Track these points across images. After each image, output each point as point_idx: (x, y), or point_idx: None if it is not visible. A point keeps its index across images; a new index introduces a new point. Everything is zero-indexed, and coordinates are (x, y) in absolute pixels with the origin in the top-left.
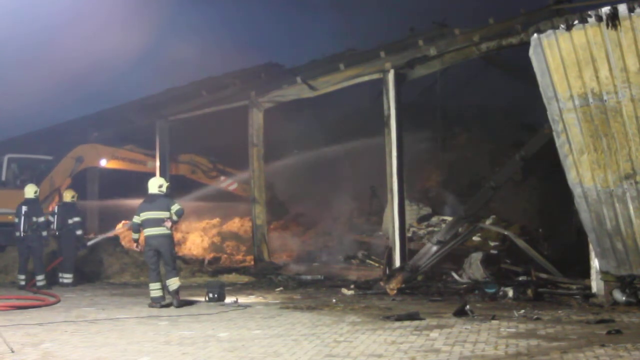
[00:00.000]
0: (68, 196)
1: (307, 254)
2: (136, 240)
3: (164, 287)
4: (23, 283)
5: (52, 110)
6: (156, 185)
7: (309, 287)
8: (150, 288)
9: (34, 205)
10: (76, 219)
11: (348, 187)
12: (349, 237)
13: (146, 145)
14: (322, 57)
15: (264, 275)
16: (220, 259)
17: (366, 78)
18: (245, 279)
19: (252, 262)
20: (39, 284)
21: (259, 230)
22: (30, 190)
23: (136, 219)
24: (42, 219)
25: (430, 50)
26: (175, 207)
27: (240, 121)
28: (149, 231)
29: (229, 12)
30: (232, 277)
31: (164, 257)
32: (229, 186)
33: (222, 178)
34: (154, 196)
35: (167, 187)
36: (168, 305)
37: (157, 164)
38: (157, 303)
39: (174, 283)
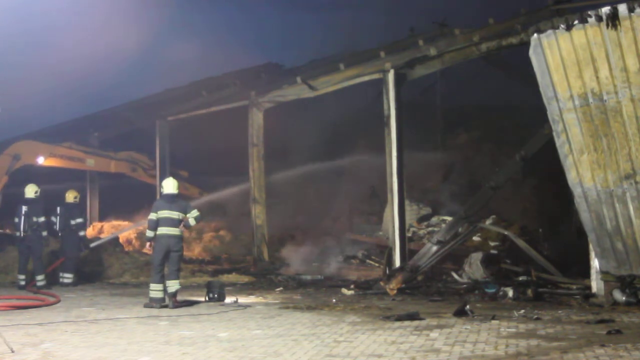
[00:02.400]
0: (70, 197)
1: (307, 254)
2: (152, 239)
3: (165, 289)
4: (23, 283)
5: (52, 110)
6: (174, 186)
7: (308, 287)
8: (153, 288)
9: (35, 205)
10: (79, 220)
11: (348, 187)
12: (348, 237)
13: (146, 146)
14: (322, 57)
15: (263, 275)
16: (221, 259)
17: (366, 78)
18: (245, 278)
19: (252, 262)
20: (39, 284)
21: (258, 230)
22: (30, 190)
23: (154, 216)
24: (42, 219)
25: (430, 50)
26: (194, 213)
27: (240, 121)
28: (163, 230)
29: (229, 12)
30: (232, 277)
31: (173, 258)
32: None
33: (151, 173)
34: (174, 196)
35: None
36: (167, 306)
37: (157, 163)
38: (156, 303)
39: (174, 285)
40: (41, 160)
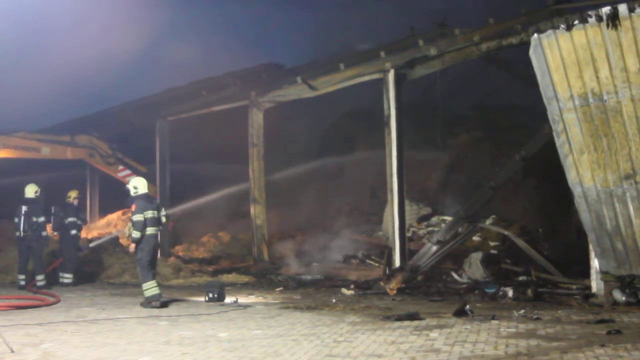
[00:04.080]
0: (69, 196)
1: (306, 254)
2: (139, 241)
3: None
4: (23, 283)
5: (51, 111)
6: (146, 184)
7: (308, 287)
8: (149, 287)
9: (34, 205)
10: (70, 219)
11: (348, 187)
12: (348, 236)
13: (146, 146)
14: (322, 57)
15: (263, 275)
16: (220, 259)
17: (366, 78)
18: (245, 278)
19: (252, 262)
20: (39, 283)
21: (258, 230)
22: (30, 190)
23: (142, 217)
24: (42, 219)
25: (431, 50)
26: (165, 211)
27: (240, 121)
28: (151, 230)
29: (230, 11)
30: (232, 277)
31: (156, 256)
32: (125, 177)
33: (120, 167)
34: (151, 196)
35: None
36: (167, 304)
37: (157, 164)
38: (156, 301)
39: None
40: None
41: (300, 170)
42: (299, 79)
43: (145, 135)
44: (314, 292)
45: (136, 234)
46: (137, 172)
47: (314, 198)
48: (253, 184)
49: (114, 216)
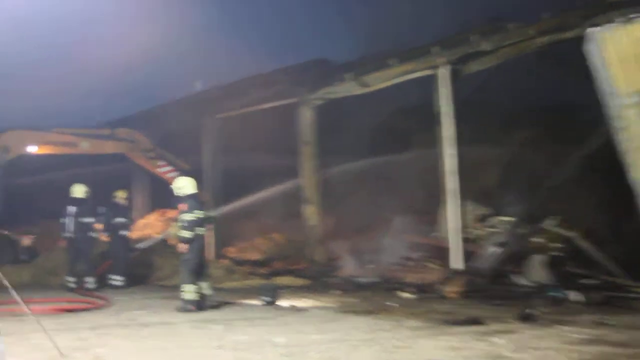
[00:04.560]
0: (117, 196)
1: (361, 255)
2: (190, 241)
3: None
4: (72, 285)
5: (94, 110)
6: (195, 185)
7: (365, 290)
8: (190, 289)
9: (83, 206)
10: (120, 219)
11: (401, 186)
12: (403, 237)
13: (193, 145)
14: (373, 52)
15: (318, 278)
16: (274, 261)
17: (418, 74)
18: (299, 281)
19: (307, 265)
20: (89, 286)
21: (312, 231)
22: (79, 190)
23: (193, 217)
24: (91, 220)
25: (484, 45)
26: (210, 212)
27: (290, 118)
28: (201, 230)
29: (277, 5)
30: (286, 280)
31: (204, 259)
32: (166, 174)
33: (160, 163)
34: (199, 197)
35: None
36: (202, 308)
37: (205, 163)
38: (194, 305)
39: (210, 287)
40: (33, 149)
41: (352, 169)
42: (349, 76)
43: (192, 134)
44: (371, 295)
45: (187, 234)
46: (179, 169)
47: (367, 197)
48: (305, 184)
49: (151, 217)
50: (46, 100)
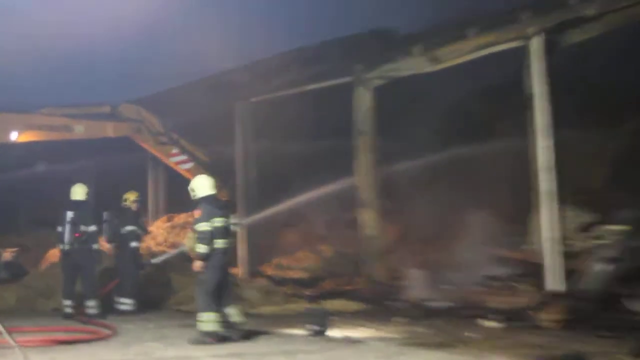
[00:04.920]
0: (126, 199)
1: (432, 273)
2: (206, 257)
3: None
4: (69, 310)
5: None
6: (214, 183)
7: (436, 317)
8: (209, 319)
9: (83, 211)
10: (129, 227)
11: (482, 186)
12: (486, 250)
13: (219, 136)
14: (445, 21)
15: (378, 301)
16: (322, 280)
17: (503, 47)
18: (354, 305)
19: (363, 285)
20: (90, 311)
21: (369, 242)
22: (79, 191)
23: (209, 227)
24: (93, 228)
25: (587, 11)
26: (236, 219)
27: (342, 103)
28: (220, 243)
29: None
30: (337, 304)
31: (228, 277)
32: (181, 164)
33: (174, 151)
34: (218, 198)
35: None
36: (230, 338)
37: (237, 155)
38: (212, 337)
39: (240, 314)
40: (14, 136)
41: (420, 165)
42: (417, 49)
43: (217, 123)
44: (444, 323)
45: (202, 248)
46: (196, 160)
47: (440, 200)
48: (361, 183)
49: (154, 225)
50: (42, 78)
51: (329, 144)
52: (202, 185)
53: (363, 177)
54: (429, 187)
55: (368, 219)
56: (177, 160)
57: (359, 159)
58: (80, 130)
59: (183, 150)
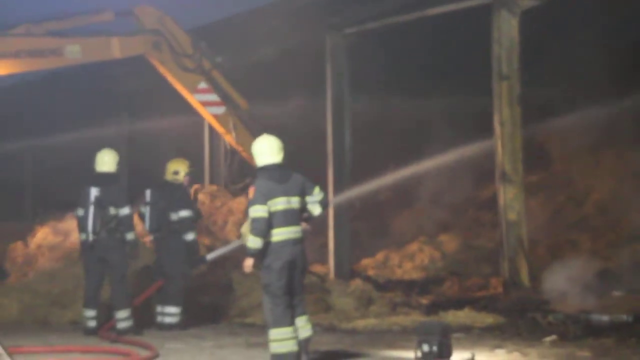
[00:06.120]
0: (169, 171)
1: (599, 276)
2: (257, 254)
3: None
4: (93, 324)
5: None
6: (279, 147)
7: (604, 335)
8: (279, 337)
9: (113, 187)
10: (184, 212)
11: None
12: None
13: (307, 77)
14: None
15: (521, 314)
16: (441, 282)
17: None
18: (488, 318)
19: (500, 289)
20: (122, 325)
21: (511, 231)
22: (107, 160)
23: (261, 211)
24: (126, 211)
25: None
26: (317, 192)
27: (474, 34)
28: (282, 233)
29: None
30: (463, 316)
31: (299, 279)
32: (208, 106)
33: (202, 86)
34: (282, 169)
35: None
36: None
37: (328, 102)
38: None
39: (307, 326)
40: None
41: (585, 122)
42: None
43: (301, 61)
44: (615, 344)
45: (252, 242)
46: (231, 104)
47: (613, 173)
48: (501, 149)
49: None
50: None
51: (453, 94)
52: (259, 151)
53: (503, 139)
54: (598, 155)
55: (510, 198)
56: (204, 100)
57: (500, 114)
58: (74, 52)
59: (216, 88)
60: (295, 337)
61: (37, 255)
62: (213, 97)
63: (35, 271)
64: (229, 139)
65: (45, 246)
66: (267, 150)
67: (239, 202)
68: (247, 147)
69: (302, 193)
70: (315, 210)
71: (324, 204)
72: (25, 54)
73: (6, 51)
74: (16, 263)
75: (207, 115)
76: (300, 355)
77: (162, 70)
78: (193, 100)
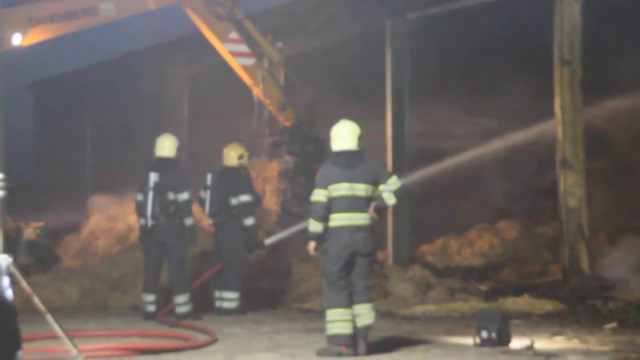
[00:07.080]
0: (232, 156)
1: None
2: (318, 238)
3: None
4: (152, 308)
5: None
6: (354, 133)
7: None
8: (334, 318)
9: (172, 172)
10: (244, 197)
11: None
12: None
13: (367, 62)
14: None
15: (581, 300)
16: (501, 269)
17: None
18: (547, 305)
19: (559, 276)
20: (181, 309)
21: (571, 217)
22: (167, 145)
23: (320, 195)
24: (185, 196)
25: None
26: (394, 181)
27: (534, 19)
28: (341, 219)
29: None
30: (522, 303)
31: (361, 267)
32: (237, 56)
33: (232, 36)
34: (352, 155)
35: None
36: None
37: (388, 89)
38: (338, 345)
39: (369, 313)
40: (17, 40)
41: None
42: None
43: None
44: None
45: (312, 225)
46: (262, 57)
47: None
48: (562, 135)
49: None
50: None
51: (516, 78)
52: (335, 136)
53: (565, 125)
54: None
55: (571, 185)
56: (234, 50)
57: (561, 100)
58: (108, 9)
59: (247, 38)
60: (351, 320)
61: (90, 240)
62: (243, 47)
63: (91, 256)
64: (257, 91)
65: (98, 231)
66: (342, 135)
67: (271, 169)
68: (275, 101)
69: (375, 181)
70: (390, 199)
71: (399, 193)
72: (60, 17)
73: (42, 17)
74: (71, 248)
75: (236, 65)
76: (355, 339)
77: (194, 17)
78: (223, 49)
